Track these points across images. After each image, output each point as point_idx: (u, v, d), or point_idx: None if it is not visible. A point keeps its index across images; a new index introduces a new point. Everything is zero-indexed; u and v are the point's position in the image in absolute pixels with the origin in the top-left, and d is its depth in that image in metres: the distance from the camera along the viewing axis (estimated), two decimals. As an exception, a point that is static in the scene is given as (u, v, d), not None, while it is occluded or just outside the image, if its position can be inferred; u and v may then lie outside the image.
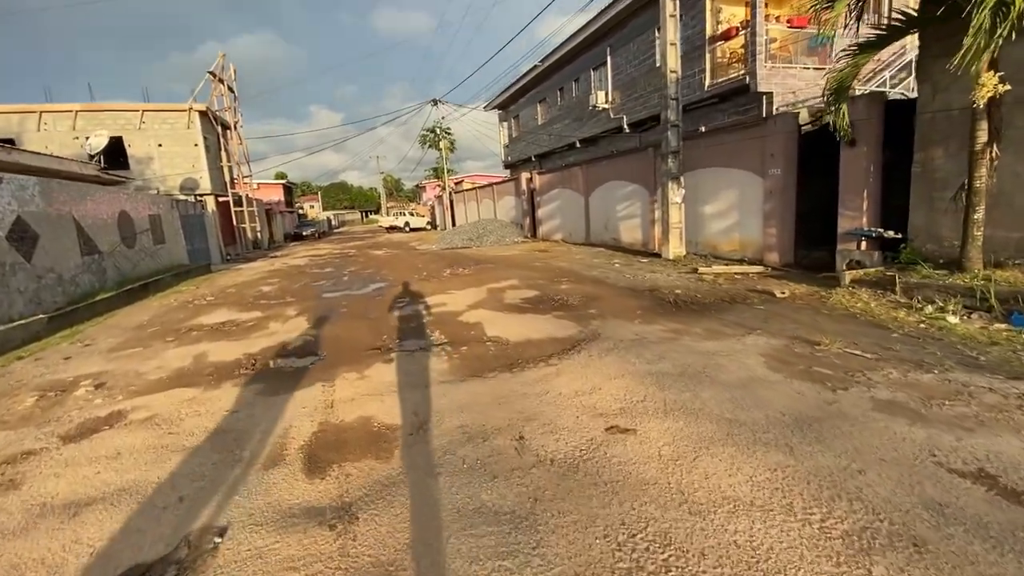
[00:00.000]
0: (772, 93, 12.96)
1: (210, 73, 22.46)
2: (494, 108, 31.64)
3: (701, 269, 9.12)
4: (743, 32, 13.20)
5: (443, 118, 33.30)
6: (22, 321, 7.58)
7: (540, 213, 19.82)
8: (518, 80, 26.46)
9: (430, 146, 39.06)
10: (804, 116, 9.37)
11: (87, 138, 17.90)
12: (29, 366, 5.91)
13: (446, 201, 37.05)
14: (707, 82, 13.95)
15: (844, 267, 7.82)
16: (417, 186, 72.29)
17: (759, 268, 9.14)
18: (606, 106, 18.78)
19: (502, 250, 16.90)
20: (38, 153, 12.15)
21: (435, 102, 32.75)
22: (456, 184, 36.77)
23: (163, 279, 13.07)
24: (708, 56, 13.89)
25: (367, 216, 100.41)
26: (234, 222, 24.42)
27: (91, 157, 16.66)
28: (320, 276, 13.11)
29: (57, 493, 2.89)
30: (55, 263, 9.77)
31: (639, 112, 17.17)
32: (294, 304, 8.90)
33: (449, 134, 35.35)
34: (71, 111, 19.51)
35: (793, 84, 13.28)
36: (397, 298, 8.71)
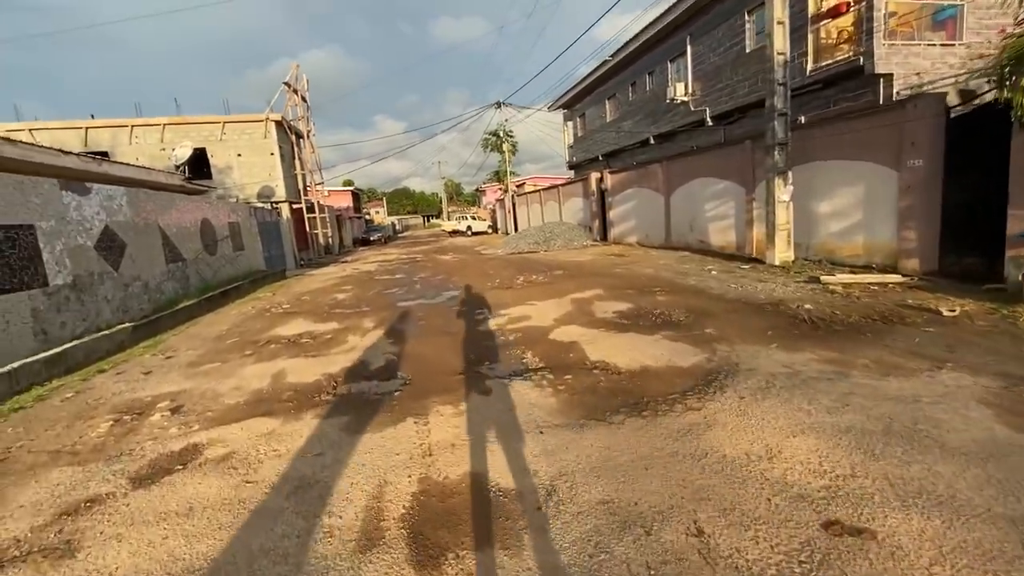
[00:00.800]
0: (892, 75, 11.27)
1: (285, 84, 23.17)
2: (558, 108, 30.81)
3: (824, 278, 7.82)
4: (856, 7, 11.60)
5: (506, 120, 32.91)
6: (107, 331, 7.60)
7: (612, 214, 18.74)
8: (585, 78, 25.50)
9: (492, 149, 38.84)
10: (953, 98, 7.85)
11: (173, 149, 18.82)
12: (110, 381, 5.72)
13: (508, 204, 36.61)
14: (809, 66, 12.41)
15: (1023, 277, 6.33)
16: (477, 190, 72.70)
17: (896, 277, 7.70)
18: (685, 99, 17.44)
19: (573, 254, 16.02)
20: (127, 164, 12.67)
21: (498, 105, 32.38)
22: (518, 187, 36.25)
23: (241, 285, 13.25)
24: (811, 37, 12.35)
25: (428, 220, 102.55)
26: (307, 228, 25.08)
27: (176, 168, 17.43)
28: (392, 283, 12.80)
29: (116, 568, 2.36)
30: (141, 271, 9.96)
31: (724, 103, 15.74)
32: (370, 314, 8.49)
33: (511, 136, 34.95)
34: (159, 124, 20.66)
35: (917, 64, 11.52)
36: (475, 309, 8.07)
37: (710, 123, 16.49)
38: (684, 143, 18.59)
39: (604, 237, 19.95)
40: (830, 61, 12.04)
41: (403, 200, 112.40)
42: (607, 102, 24.59)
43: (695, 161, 13.21)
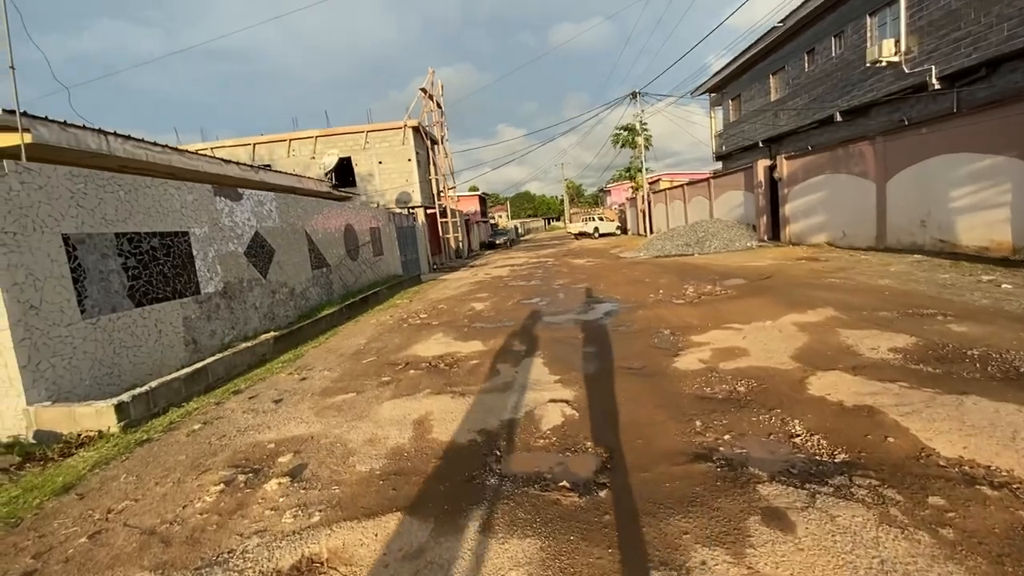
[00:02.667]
0: None
1: (421, 90, 23.40)
2: (704, 93, 27.40)
3: None
4: None
5: (642, 111, 30.21)
6: (248, 343, 7.14)
7: (788, 209, 15.45)
8: (743, 53, 22.02)
9: (623, 145, 36.26)
10: None
11: (323, 159, 19.70)
12: (239, 409, 4.92)
13: (640, 203, 33.82)
14: None
15: None
16: (601, 190, 70.04)
17: None
18: (894, 59, 13.61)
19: (741, 258, 13.25)
20: (281, 172, 13.02)
21: (634, 95, 29.87)
22: (651, 184, 33.27)
23: (380, 291, 12.89)
24: None
25: (549, 223, 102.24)
26: (439, 233, 25.17)
27: (325, 175, 18.08)
28: (530, 291, 11.42)
29: None
30: (288, 278, 9.75)
31: (960, 58, 11.80)
32: (516, 333, 7.07)
33: (646, 129, 32.10)
34: (312, 136, 21.97)
35: None
36: (651, 332, 6.19)
37: (935, 86, 12.56)
38: (887, 117, 14.63)
39: (774, 236, 16.64)
40: None
41: (524, 204, 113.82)
42: (771, 78, 20.90)
43: (935, 133, 9.80)
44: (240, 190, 8.69)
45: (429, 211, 24.40)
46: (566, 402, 4.06)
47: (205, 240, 7.54)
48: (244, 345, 7.06)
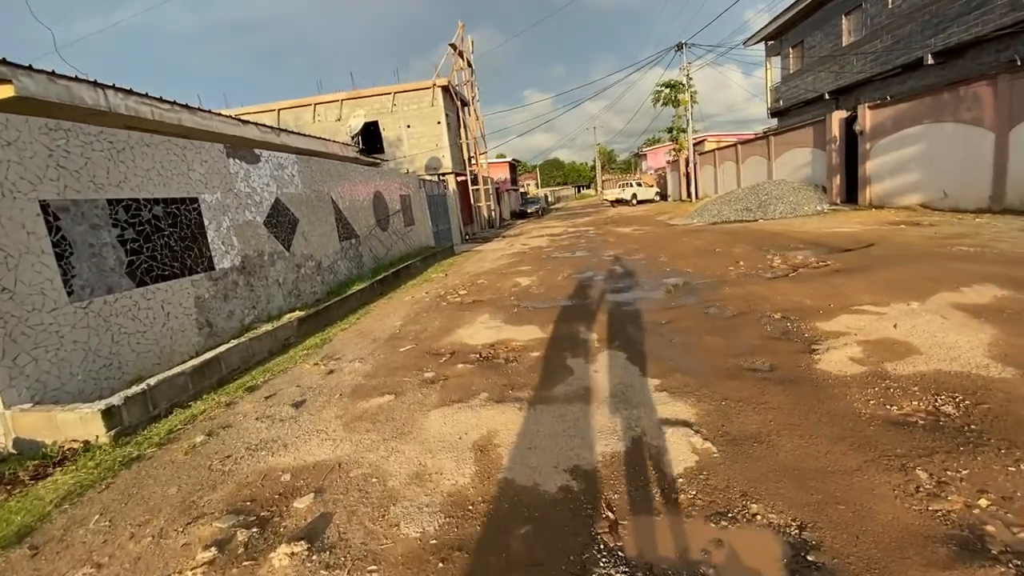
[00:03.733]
0: None
1: (451, 46, 21.78)
2: (759, 41, 24.78)
3: None
4: None
5: (688, 65, 27.71)
6: (269, 326, 6.21)
7: (870, 166, 13.53)
8: (808, -9, 19.46)
9: (665, 104, 33.74)
10: None
11: (348, 123, 18.56)
12: (252, 413, 3.97)
13: (683, 167, 31.62)
14: None
15: None
16: (636, 155, 66.95)
17: None
18: (1014, -18, 11.35)
19: (818, 223, 11.60)
20: (304, 135, 11.95)
21: (680, 47, 27.41)
22: (696, 145, 30.90)
23: (413, 264, 11.88)
24: None
25: (580, 191, 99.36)
26: (471, 201, 23.95)
27: (352, 139, 16.97)
28: (579, 264, 10.18)
29: None
30: (314, 250, 8.79)
31: (1112, -27, 9.59)
32: (579, 316, 5.90)
33: (691, 86, 29.60)
34: (337, 100, 20.81)
35: None
36: (758, 317, 4.92)
37: (1073, 11, 10.37)
38: (992, 57, 12.41)
39: (850, 199, 14.75)
40: None
41: (553, 171, 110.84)
42: (843, 19, 18.43)
43: (1090, 63, 7.88)
44: (258, 151, 7.66)
45: (460, 178, 23.14)
46: (687, 425, 2.90)
47: (218, 208, 6.57)
48: (264, 328, 6.13)
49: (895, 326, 4.11)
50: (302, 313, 7.00)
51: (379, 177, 12.76)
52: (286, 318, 6.79)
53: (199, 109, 8.54)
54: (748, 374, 3.53)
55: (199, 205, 6.26)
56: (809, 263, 7.24)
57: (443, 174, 21.27)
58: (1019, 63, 11.28)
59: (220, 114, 9.15)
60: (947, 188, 10.89)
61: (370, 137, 21.25)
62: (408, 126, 21.13)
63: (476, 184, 24.54)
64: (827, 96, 19.75)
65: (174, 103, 7.92)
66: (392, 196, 13.27)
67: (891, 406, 2.85)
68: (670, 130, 35.12)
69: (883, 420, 2.70)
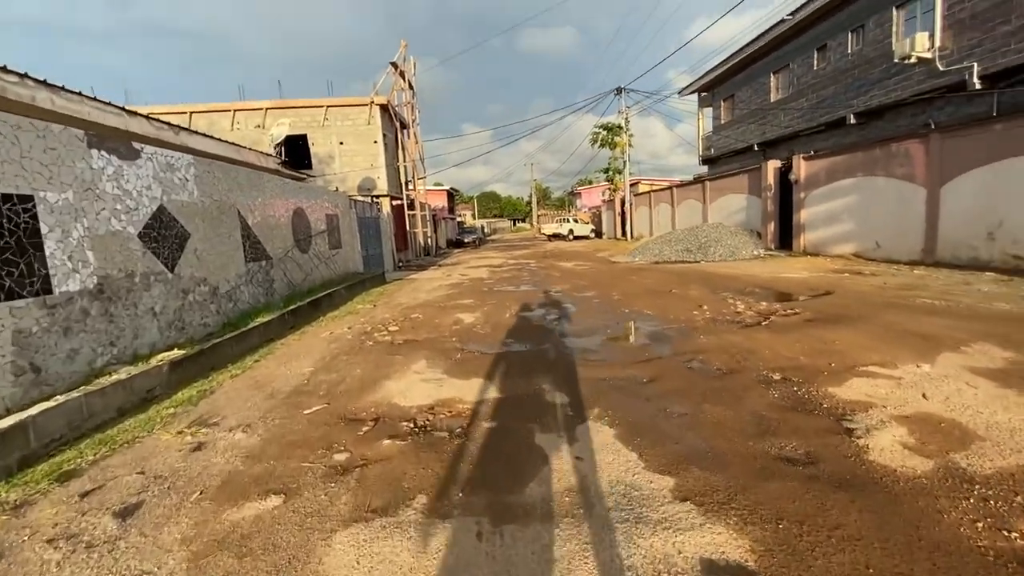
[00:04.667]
0: None
1: (392, 64, 20.78)
2: (693, 92, 26.06)
3: None
4: None
5: (627, 108, 28.58)
6: (125, 373, 4.60)
7: (805, 215, 13.93)
8: (739, 51, 20.68)
9: (603, 145, 34.62)
10: None
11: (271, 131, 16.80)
12: (47, 528, 2.49)
13: (619, 206, 32.30)
14: None
15: None
16: (570, 193, 68.75)
17: None
18: (927, 55, 12.30)
19: (762, 268, 11.53)
20: (211, 137, 10.26)
21: (619, 91, 28.24)
22: (631, 186, 31.71)
23: (336, 292, 10.37)
24: None
25: (515, 224, 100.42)
26: (407, 226, 22.59)
27: (275, 149, 15.26)
28: (525, 299, 9.22)
29: None
30: (210, 272, 7.15)
31: (1009, 55, 10.52)
32: (539, 368, 4.86)
33: (627, 130, 30.52)
34: (261, 108, 18.99)
35: None
36: (755, 377, 4.13)
37: (976, 85, 11.26)
38: (909, 120, 13.37)
39: (783, 245, 15.14)
40: None
41: (490, 203, 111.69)
42: (772, 77, 19.61)
43: (1015, 129, 8.28)
44: (138, 146, 6.07)
45: (396, 202, 21.81)
46: (743, 568, 1.88)
47: (67, 211, 4.93)
48: (115, 378, 4.51)
49: (924, 395, 3.43)
50: (180, 353, 5.40)
51: (303, 193, 11.24)
52: (155, 360, 5.16)
53: (65, 89, 6.81)
54: (788, 469, 2.61)
55: (35, 206, 4.62)
56: (776, 310, 6.74)
57: (378, 196, 19.87)
58: (933, 126, 12.15)
59: (98, 100, 7.42)
60: (880, 239, 11.21)
61: (297, 151, 19.51)
62: (341, 143, 19.64)
63: (413, 209, 23.29)
64: (756, 147, 20.80)
65: (25, 75, 6.19)
66: (316, 215, 11.75)
67: (1010, 532, 2.01)
68: (606, 170, 36.03)
69: (1017, 559, 1.84)
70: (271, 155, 13.81)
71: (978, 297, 6.66)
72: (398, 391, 4.35)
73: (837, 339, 4.99)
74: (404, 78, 22.01)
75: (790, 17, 17.12)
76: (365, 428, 3.58)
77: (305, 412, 4.04)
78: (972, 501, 2.23)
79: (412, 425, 3.57)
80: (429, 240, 26.32)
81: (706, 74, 23.78)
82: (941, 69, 12.09)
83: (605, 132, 34.55)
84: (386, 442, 3.31)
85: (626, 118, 28.33)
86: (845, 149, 12.64)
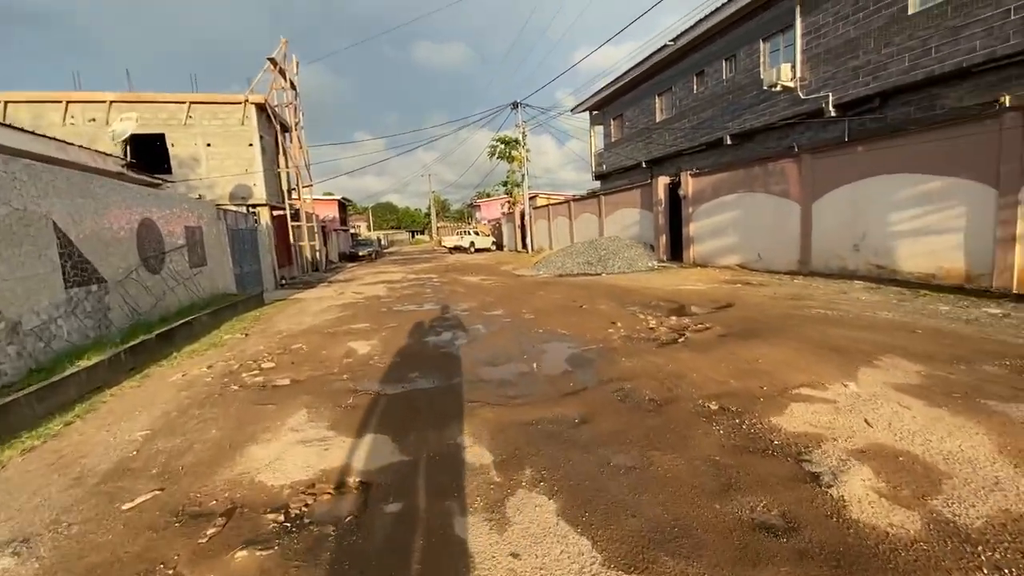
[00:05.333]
0: None
1: (270, 60, 18.73)
2: (585, 110, 27.05)
3: None
4: None
5: (524, 122, 28.89)
6: None
7: (693, 229, 14.70)
8: (627, 73, 21.77)
9: (500, 157, 34.75)
10: None
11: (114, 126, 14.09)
12: None
13: (520, 219, 32.52)
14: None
15: None
16: (471, 205, 68.62)
17: None
18: (790, 84, 13.67)
19: (661, 280, 11.83)
20: (19, 129, 8.06)
21: (515, 105, 28.47)
22: (529, 199, 32.12)
23: (198, 320, 8.65)
24: (1046, -23, 8.62)
25: (414, 236, 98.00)
26: (291, 239, 20.41)
27: (122, 149, 12.76)
28: (431, 322, 8.36)
29: None
30: (5, 303, 5.36)
31: (858, 87, 11.98)
32: (448, 407, 4.08)
33: (524, 144, 30.87)
34: (103, 101, 15.97)
35: None
36: (691, 408, 3.74)
37: (832, 113, 12.69)
38: (776, 143, 14.81)
39: (674, 257, 15.89)
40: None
41: (386, 215, 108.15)
42: (657, 98, 20.84)
43: (874, 151, 9.23)
44: None
45: (278, 212, 19.62)
46: None
47: None
48: None
49: (867, 422, 3.23)
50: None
51: (154, 201, 9.33)
52: None
53: None
54: (772, 544, 2.12)
55: None
56: (687, 325, 6.63)
57: (255, 205, 17.66)
58: (796, 148, 13.50)
59: None
60: (761, 251, 12.05)
61: (150, 151, 16.71)
62: (209, 144, 17.18)
63: (298, 220, 21.14)
64: (644, 164, 21.96)
65: None
66: (172, 227, 9.83)
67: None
68: (505, 183, 36.20)
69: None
70: (112, 155, 11.47)
71: (860, 306, 7.14)
72: (266, 461, 3.30)
73: (759, 357, 4.85)
74: (285, 77, 19.99)
75: (672, 43, 18.29)
76: (211, 530, 2.54)
77: (125, 507, 2.85)
78: (986, 572, 1.88)
79: (282, 518, 2.60)
80: (318, 254, 24.14)
81: (596, 93, 24.76)
82: (802, 97, 13.48)
83: (503, 145, 34.71)
84: (240, 554, 2.32)
85: (523, 132, 28.55)
86: (728, 166, 13.53)
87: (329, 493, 2.84)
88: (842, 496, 2.43)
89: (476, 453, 3.19)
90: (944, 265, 8.15)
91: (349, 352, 6.41)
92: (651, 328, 6.66)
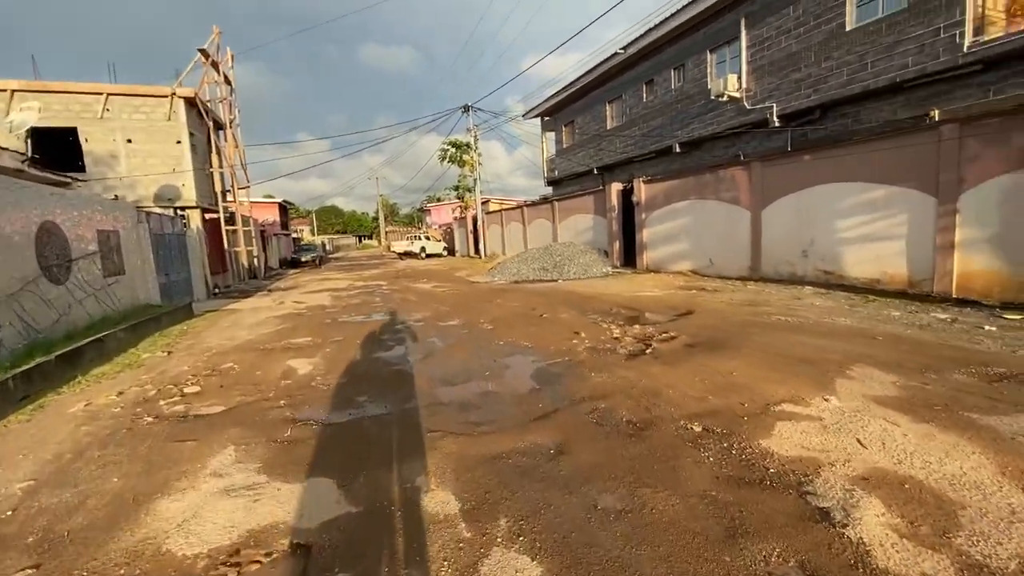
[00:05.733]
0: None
1: (201, 51, 17.33)
2: (537, 115, 27.01)
3: None
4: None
5: (476, 127, 28.44)
6: None
7: (647, 235, 14.78)
8: (579, 79, 21.85)
9: (451, 162, 34.18)
10: None
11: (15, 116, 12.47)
12: None
13: (472, 224, 32.04)
14: (967, 40, 9.22)
15: None
16: (421, 209, 67.35)
17: None
18: (736, 94, 14.05)
19: (616, 286, 11.74)
20: None
21: (466, 108, 28.03)
22: (482, 204, 31.71)
23: (112, 336, 7.59)
24: (969, 2, 9.20)
25: (361, 241, 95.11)
26: (225, 245, 18.94)
27: (25, 142, 11.27)
28: (381, 334, 7.75)
29: None
30: None
31: (800, 99, 12.44)
32: (404, 440, 3.58)
33: (476, 148, 30.44)
34: (4, 90, 14.15)
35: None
36: (674, 431, 3.44)
37: (776, 123, 13.12)
38: (722, 151, 15.21)
39: (628, 263, 15.94)
40: (1016, 33, 8.86)
41: (331, 219, 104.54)
42: (608, 106, 21.04)
43: (821, 160, 9.49)
44: None
45: (211, 215, 18.16)
46: None
47: None
48: None
49: (860, 442, 3.04)
50: None
51: (57, 202, 8.19)
52: None
53: None
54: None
55: None
56: (652, 335, 6.43)
57: (184, 207, 16.22)
58: (742, 157, 13.88)
59: None
60: (713, 257, 12.21)
61: (61, 147, 14.99)
62: (129, 141, 15.62)
63: (234, 224, 19.68)
64: (596, 171, 22.11)
65: None
66: (82, 231, 8.69)
67: None
68: (456, 187, 35.66)
69: None
70: (8, 149, 10.07)
71: (816, 312, 7.21)
72: (178, 520, 2.68)
73: (732, 370, 4.65)
74: (218, 70, 18.59)
75: (622, 51, 18.48)
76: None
77: (-25, 598, 2.17)
78: (1043, 634, 1.63)
79: (193, 607, 2.02)
80: (256, 260, 22.62)
81: (548, 99, 24.75)
82: (748, 107, 13.87)
83: (454, 149, 34.21)
84: (130, 668, 1.74)
85: (475, 135, 28.15)
86: (680, 173, 13.69)
87: (258, 562, 2.29)
88: (861, 539, 2.16)
89: (439, 499, 2.72)
90: (888, 271, 8.44)
91: (288, 372, 5.73)
92: (616, 338, 6.40)
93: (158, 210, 14.95)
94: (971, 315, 6.45)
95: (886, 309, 7.16)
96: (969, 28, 9.23)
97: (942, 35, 9.53)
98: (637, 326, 7.03)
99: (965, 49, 9.22)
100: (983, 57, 9.04)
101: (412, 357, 6.12)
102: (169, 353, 7.32)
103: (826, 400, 3.75)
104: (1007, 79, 9.05)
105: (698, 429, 3.43)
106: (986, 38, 9.09)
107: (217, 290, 16.58)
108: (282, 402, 4.64)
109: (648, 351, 5.63)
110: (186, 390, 5.28)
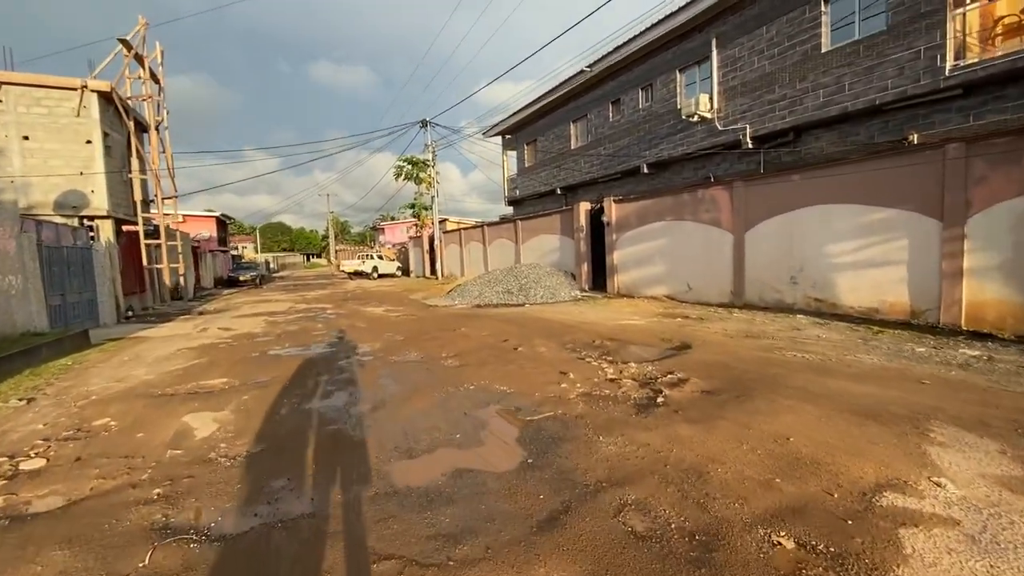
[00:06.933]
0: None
1: (122, 42, 15.31)
2: (498, 134, 26.22)
3: None
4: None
5: (433, 143, 27.28)
6: None
7: (618, 257, 13.93)
8: (542, 97, 21.25)
9: (407, 179, 32.75)
10: None
11: None
12: None
13: (427, 243, 30.60)
14: (948, 64, 8.99)
15: None
16: (374, 228, 64.99)
17: None
18: (707, 115, 13.64)
19: (592, 313, 10.70)
20: None
21: (424, 123, 26.87)
22: (439, 223, 30.37)
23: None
24: (950, 26, 9.01)
25: (310, 259, 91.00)
26: (145, 261, 16.61)
27: None
28: (319, 374, 6.25)
29: None
30: None
31: (774, 121, 12.10)
32: (333, 570, 2.20)
33: (434, 165, 29.22)
34: None
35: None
36: (766, 560, 2.26)
37: (749, 145, 12.73)
38: (692, 173, 14.76)
39: (597, 286, 15.03)
40: (997, 57, 8.66)
41: (278, 236, 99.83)
42: (572, 125, 20.46)
43: (811, 180, 8.89)
44: None
45: (129, 227, 15.89)
46: None
47: None
48: None
49: (1053, 577, 1.96)
50: None
51: None
52: None
53: None
54: None
55: None
56: (655, 376, 5.34)
57: (92, 217, 13.98)
58: (712, 179, 13.41)
59: None
60: (691, 282, 11.44)
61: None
62: (26, 137, 13.35)
63: (157, 238, 17.38)
64: (559, 191, 21.38)
65: None
66: (-78, 240, 6.72)
67: None
68: (412, 205, 34.14)
69: None
70: None
71: (828, 347, 6.37)
72: None
73: (785, 433, 3.57)
74: (143, 64, 16.55)
75: (588, 69, 17.97)
76: None
77: None
78: None
79: None
80: (183, 279, 20.18)
81: (509, 117, 24.00)
82: (719, 128, 13.46)
83: (410, 166, 32.79)
84: None
85: (432, 151, 26.96)
86: (655, 193, 12.98)
87: None
88: None
89: None
90: (887, 299, 7.81)
91: (182, 434, 4.18)
92: (612, 380, 5.26)
93: (58, 219, 12.73)
94: (1002, 351, 5.77)
95: (904, 343, 6.41)
96: (951, 52, 9.02)
97: (922, 58, 9.30)
98: (633, 364, 5.92)
99: (947, 72, 8.98)
100: (964, 81, 8.81)
101: (356, 409, 4.70)
102: (29, 401, 5.52)
103: (938, 486, 2.71)
104: (986, 104, 8.85)
105: (790, 545, 2.28)
106: (967, 62, 8.89)
107: (131, 313, 14.31)
108: (156, 492, 3.14)
109: (660, 400, 4.51)
110: (23, 465, 3.66)
